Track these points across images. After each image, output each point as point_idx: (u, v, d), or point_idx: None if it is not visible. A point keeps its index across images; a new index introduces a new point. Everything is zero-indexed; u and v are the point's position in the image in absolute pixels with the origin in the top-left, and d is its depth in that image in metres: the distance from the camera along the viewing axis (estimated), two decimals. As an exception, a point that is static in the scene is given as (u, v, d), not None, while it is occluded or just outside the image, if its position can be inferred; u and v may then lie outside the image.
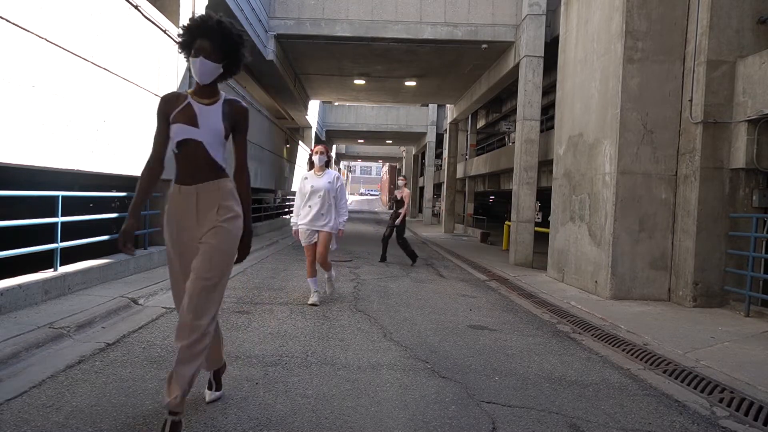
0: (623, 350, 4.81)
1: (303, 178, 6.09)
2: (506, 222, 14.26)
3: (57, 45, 5.07)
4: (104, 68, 5.99)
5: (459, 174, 23.16)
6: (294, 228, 6.09)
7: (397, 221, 10.40)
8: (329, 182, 5.91)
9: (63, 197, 5.61)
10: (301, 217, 5.98)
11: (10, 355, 3.57)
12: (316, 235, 5.97)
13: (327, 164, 6.05)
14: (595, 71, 7.88)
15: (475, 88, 17.06)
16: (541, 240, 11.48)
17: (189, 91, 2.79)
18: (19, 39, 4.54)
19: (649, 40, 7.10)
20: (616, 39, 7.29)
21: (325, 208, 5.90)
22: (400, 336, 4.90)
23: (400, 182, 10.89)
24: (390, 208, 10.14)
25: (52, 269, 5.46)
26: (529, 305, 6.92)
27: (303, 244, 6.06)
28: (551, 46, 11.06)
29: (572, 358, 4.55)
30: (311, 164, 6.06)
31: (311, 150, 6.34)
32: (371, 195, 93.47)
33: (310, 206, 5.90)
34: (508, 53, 12.91)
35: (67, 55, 5.27)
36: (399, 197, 10.70)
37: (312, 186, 5.91)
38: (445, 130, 24.07)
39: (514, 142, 15.13)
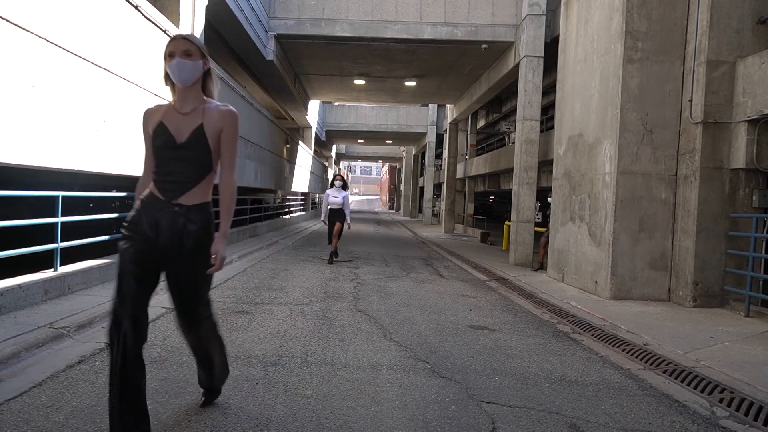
0: (623, 350, 4.81)
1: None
2: (506, 222, 14.26)
3: (57, 45, 5.07)
4: (104, 68, 5.99)
5: (459, 174, 23.16)
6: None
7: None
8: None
9: (63, 197, 5.61)
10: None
11: (10, 355, 3.57)
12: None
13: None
14: (595, 71, 7.88)
15: (475, 88, 17.05)
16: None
17: None
18: (19, 39, 4.55)
19: (649, 40, 7.10)
20: (616, 39, 7.29)
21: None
22: (400, 336, 4.90)
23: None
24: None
25: (52, 269, 5.46)
26: (529, 305, 6.92)
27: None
28: (551, 46, 11.06)
29: (572, 358, 4.55)
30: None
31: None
32: (363, 195, 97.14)
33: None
34: (508, 53, 12.91)
35: (67, 55, 5.27)
36: None
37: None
38: (445, 130, 24.08)
39: (514, 142, 15.14)
